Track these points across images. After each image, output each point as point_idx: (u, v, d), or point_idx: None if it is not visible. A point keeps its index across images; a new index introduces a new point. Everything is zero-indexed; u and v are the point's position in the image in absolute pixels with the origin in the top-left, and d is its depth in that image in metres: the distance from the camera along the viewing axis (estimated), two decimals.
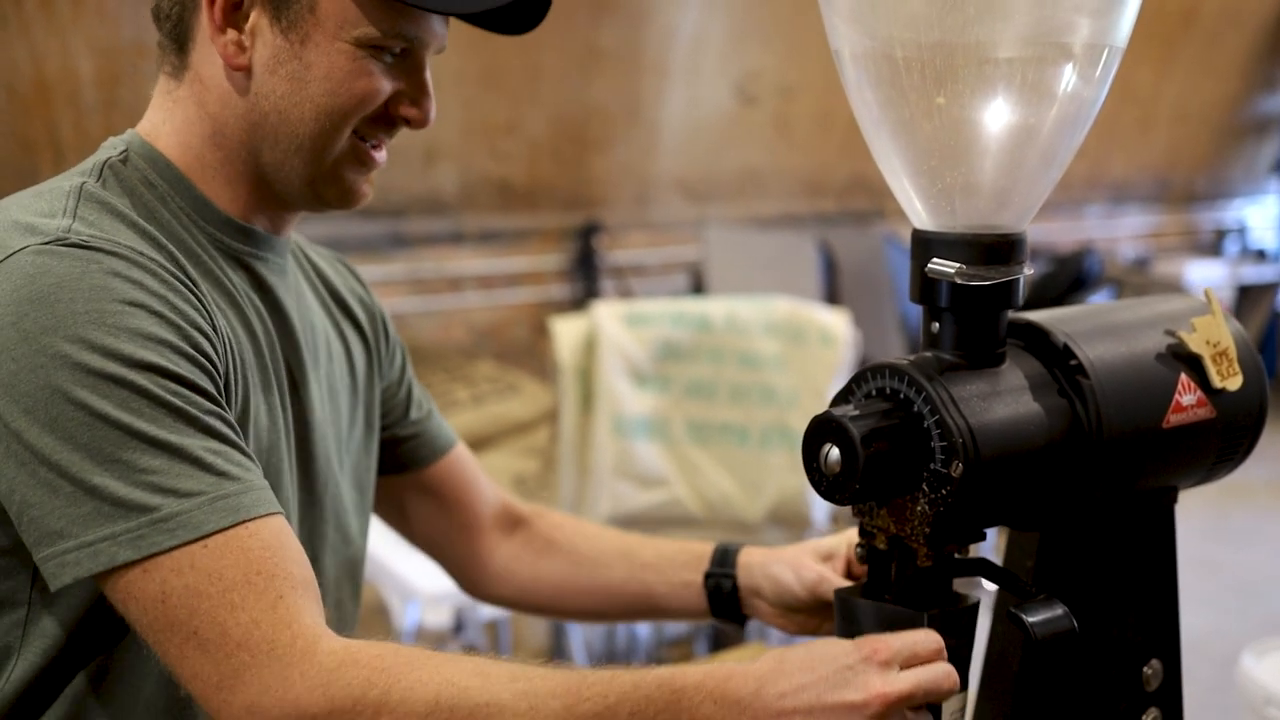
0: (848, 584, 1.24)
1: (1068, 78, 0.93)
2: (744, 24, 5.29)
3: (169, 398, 0.98)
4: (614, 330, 3.13)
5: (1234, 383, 1.06)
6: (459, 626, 2.83)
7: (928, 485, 0.94)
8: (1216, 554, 4.83)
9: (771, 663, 0.94)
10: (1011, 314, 1.01)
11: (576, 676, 0.95)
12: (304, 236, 1.34)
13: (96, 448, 0.96)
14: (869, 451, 0.92)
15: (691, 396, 3.17)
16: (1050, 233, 6.74)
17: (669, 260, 5.62)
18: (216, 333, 1.06)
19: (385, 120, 1.14)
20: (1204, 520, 5.10)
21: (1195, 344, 1.05)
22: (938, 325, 0.98)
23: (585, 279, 5.35)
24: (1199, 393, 1.04)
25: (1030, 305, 1.02)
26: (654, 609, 1.42)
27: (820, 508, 3.24)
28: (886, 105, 0.95)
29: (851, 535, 1.23)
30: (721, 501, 3.16)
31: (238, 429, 1.04)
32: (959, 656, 1.00)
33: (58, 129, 4.17)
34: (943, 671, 0.94)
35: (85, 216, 1.04)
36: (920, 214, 0.97)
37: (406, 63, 1.13)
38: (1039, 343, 1.02)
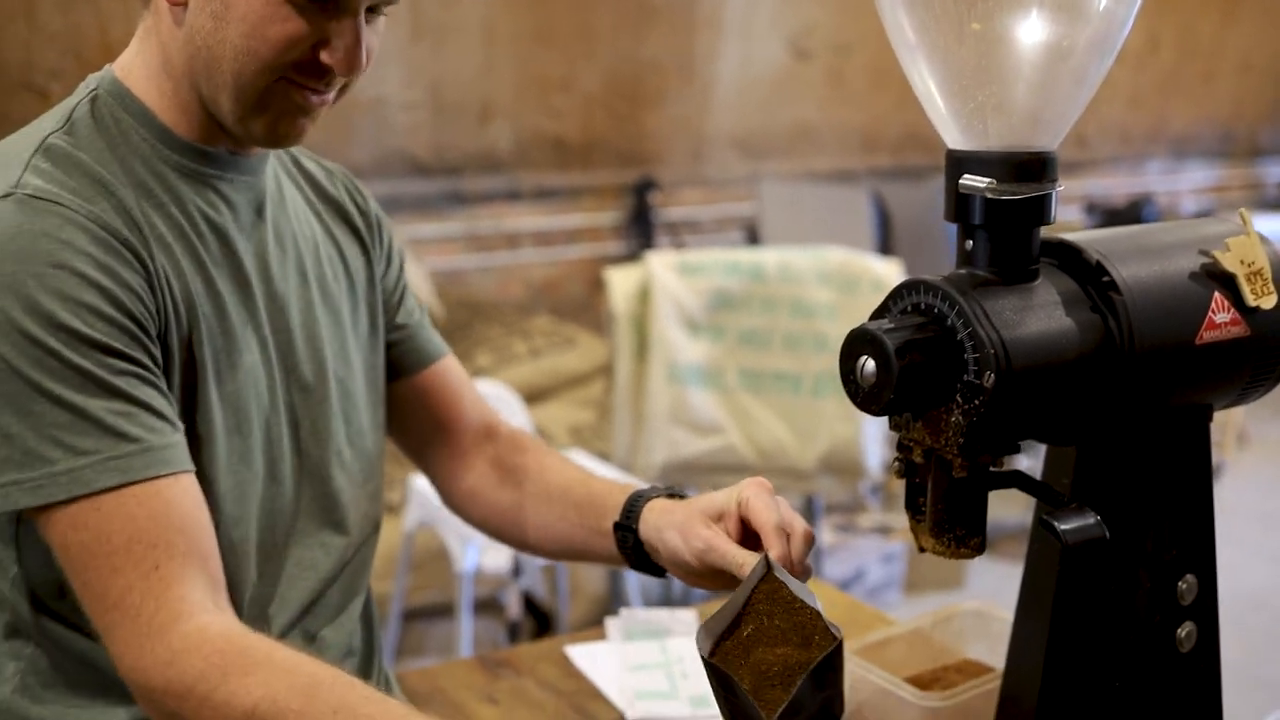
0: (748, 552, 1.14)
1: None
2: None
3: (78, 360, 1.03)
4: (668, 279, 3.16)
5: (1268, 301, 1.06)
6: (517, 570, 2.87)
7: (961, 396, 0.96)
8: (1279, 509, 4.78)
9: None
10: (1045, 233, 1.03)
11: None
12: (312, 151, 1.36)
13: (12, 398, 1.02)
14: (903, 363, 0.94)
15: (745, 345, 3.19)
16: (1111, 188, 6.66)
17: (723, 216, 5.62)
18: (152, 286, 1.09)
19: (313, 67, 1.11)
20: (1268, 475, 5.05)
21: (1229, 263, 1.06)
22: (971, 243, 0.99)
23: (640, 235, 5.37)
24: (1233, 311, 1.05)
25: None
26: (580, 553, 1.35)
27: (874, 455, 3.26)
28: (920, 29, 0.96)
29: (741, 491, 1.17)
30: (775, 449, 3.18)
31: (161, 385, 1.08)
32: None
33: None
34: None
35: (39, 167, 1.08)
36: (954, 134, 0.99)
37: (338, 7, 1.10)
38: (1072, 261, 1.03)
